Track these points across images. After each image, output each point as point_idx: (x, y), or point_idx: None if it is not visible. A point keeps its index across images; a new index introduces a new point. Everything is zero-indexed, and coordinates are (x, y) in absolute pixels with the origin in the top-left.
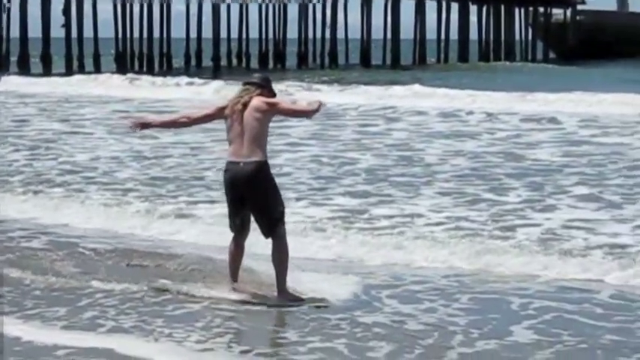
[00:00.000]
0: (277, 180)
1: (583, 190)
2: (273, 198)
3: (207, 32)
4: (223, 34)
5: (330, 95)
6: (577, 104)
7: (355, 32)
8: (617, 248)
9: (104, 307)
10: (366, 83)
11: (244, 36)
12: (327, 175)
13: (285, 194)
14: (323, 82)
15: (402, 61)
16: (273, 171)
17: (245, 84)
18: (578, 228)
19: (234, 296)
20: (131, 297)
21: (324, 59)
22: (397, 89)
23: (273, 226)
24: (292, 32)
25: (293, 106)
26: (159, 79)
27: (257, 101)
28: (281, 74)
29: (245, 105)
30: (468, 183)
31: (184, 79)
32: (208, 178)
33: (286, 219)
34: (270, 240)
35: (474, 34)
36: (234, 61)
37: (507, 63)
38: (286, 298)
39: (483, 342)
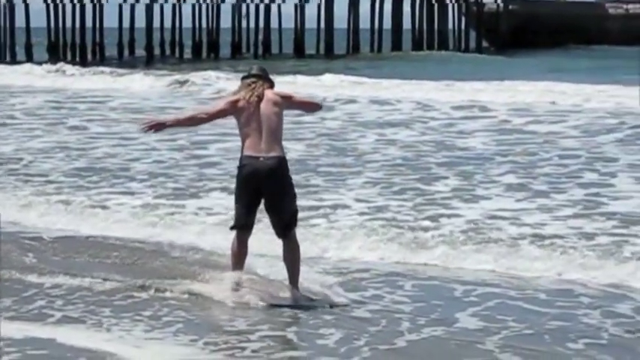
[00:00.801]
0: (205, 170)
1: (512, 179)
2: (289, 196)
3: (141, 22)
4: (156, 23)
5: None
6: (508, 93)
7: (289, 22)
8: (544, 239)
9: (51, 298)
10: (298, 72)
11: (177, 25)
12: None
13: (210, 185)
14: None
15: (335, 51)
16: (200, 161)
17: (249, 77)
18: (503, 218)
19: (238, 297)
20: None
21: (258, 49)
22: (329, 77)
23: (289, 226)
24: (226, 21)
25: (306, 100)
26: (88, 69)
27: (272, 94)
28: (215, 64)
29: (260, 98)
30: (398, 173)
31: (115, 70)
32: (135, 169)
33: (214, 211)
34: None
35: (407, 23)
36: (168, 51)
37: (442, 52)
38: (300, 298)
39: (431, 329)
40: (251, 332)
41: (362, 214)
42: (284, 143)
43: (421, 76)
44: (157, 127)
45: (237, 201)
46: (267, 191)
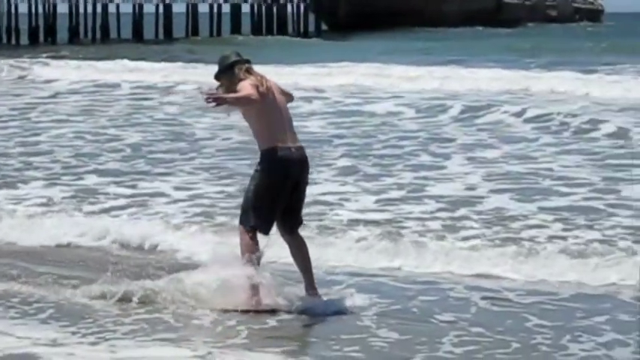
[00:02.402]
0: (33, 159)
1: (346, 162)
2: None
3: None
4: None
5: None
6: (345, 76)
7: (128, 6)
8: (367, 224)
9: None
10: (136, 59)
11: (13, 11)
12: (87, 153)
13: (33, 174)
14: (91, 58)
15: (174, 35)
16: (31, 149)
17: (242, 62)
18: (326, 203)
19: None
20: None
21: (96, 33)
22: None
23: (300, 220)
24: (63, 6)
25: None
26: None
27: (273, 83)
28: (52, 49)
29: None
30: (233, 158)
31: None
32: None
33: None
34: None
35: (246, 7)
36: (4, 38)
37: (279, 37)
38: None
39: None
40: (124, 316)
41: (177, 201)
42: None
43: (255, 60)
44: (219, 100)
45: (264, 198)
46: (301, 181)
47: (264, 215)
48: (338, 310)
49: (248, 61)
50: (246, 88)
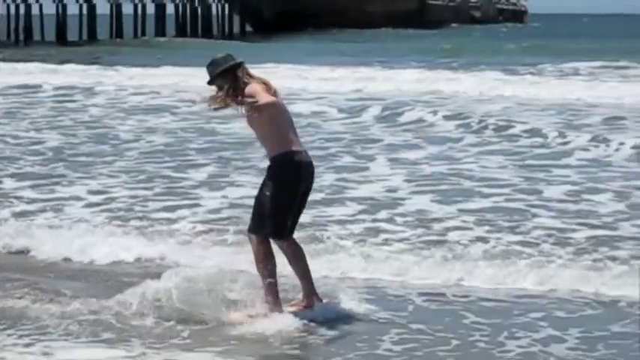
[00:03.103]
0: None
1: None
2: None
3: None
4: None
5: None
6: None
7: (51, 7)
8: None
9: None
10: (60, 61)
11: None
12: (7, 156)
13: None
14: (13, 60)
15: (98, 36)
16: None
17: (242, 65)
18: (245, 206)
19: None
20: None
21: (19, 35)
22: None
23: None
24: None
25: None
26: None
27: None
28: None
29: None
30: (155, 160)
31: None
32: None
33: None
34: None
35: (170, 8)
36: None
37: (205, 40)
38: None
39: None
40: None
41: (90, 205)
42: None
43: (168, 63)
44: (254, 106)
45: (282, 204)
46: (308, 189)
47: (284, 221)
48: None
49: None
50: (261, 92)
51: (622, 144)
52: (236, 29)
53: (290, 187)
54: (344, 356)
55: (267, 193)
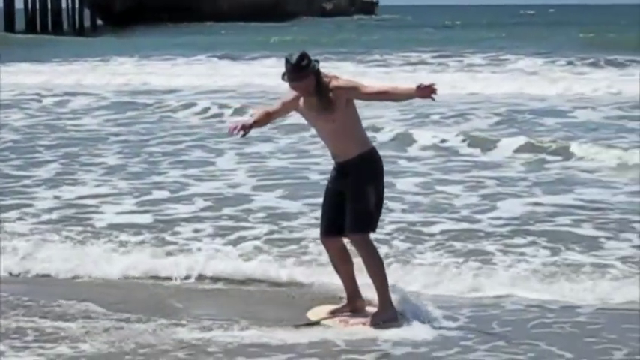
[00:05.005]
0: None
1: (115, 161)
2: None
3: None
4: None
5: None
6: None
7: None
8: (130, 228)
9: None
10: None
11: None
12: None
13: None
14: None
15: None
16: None
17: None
18: (86, 206)
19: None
20: None
21: None
22: None
23: None
24: None
25: None
26: None
27: None
28: None
29: None
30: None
31: None
32: None
33: None
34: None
35: (20, 2)
36: None
37: (53, 37)
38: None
39: None
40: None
41: None
42: None
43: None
44: (249, 127)
45: (381, 197)
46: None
47: (379, 215)
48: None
49: None
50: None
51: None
52: (87, 23)
53: (380, 182)
54: None
55: (368, 190)
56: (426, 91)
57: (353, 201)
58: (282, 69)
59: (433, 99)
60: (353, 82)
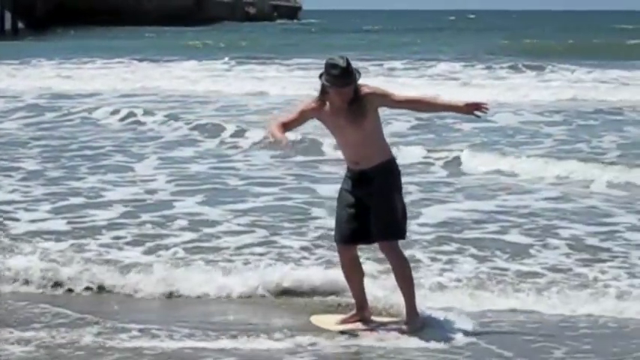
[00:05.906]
0: None
1: (32, 165)
2: None
3: None
4: None
5: None
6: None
7: None
8: (46, 234)
9: None
10: None
11: None
12: None
13: None
14: None
15: None
16: None
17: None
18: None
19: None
20: None
21: None
22: None
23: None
24: None
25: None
26: None
27: None
28: None
29: None
30: None
31: None
32: None
33: None
34: None
35: None
36: None
37: None
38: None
39: None
40: None
41: None
42: None
43: None
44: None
45: (403, 204)
46: None
47: (406, 222)
48: None
49: None
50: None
51: None
52: (7, 25)
53: (401, 189)
54: None
55: (396, 196)
56: (473, 107)
57: (381, 209)
58: (203, 73)
59: (478, 116)
60: (383, 90)
